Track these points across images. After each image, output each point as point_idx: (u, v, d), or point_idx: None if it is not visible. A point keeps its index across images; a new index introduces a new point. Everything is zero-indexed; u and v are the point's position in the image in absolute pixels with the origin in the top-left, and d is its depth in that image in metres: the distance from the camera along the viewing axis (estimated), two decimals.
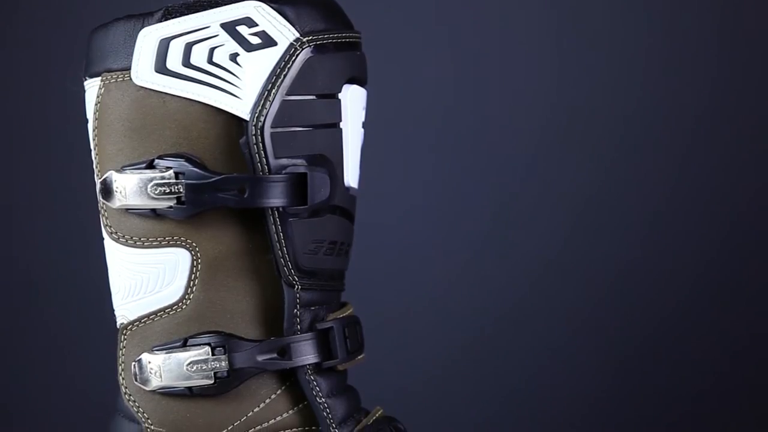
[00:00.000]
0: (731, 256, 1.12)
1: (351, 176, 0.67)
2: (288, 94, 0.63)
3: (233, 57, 0.63)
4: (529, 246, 1.13)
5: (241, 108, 0.63)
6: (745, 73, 1.12)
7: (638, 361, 1.12)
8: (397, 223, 1.13)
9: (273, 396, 0.65)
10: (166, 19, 0.63)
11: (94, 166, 0.66)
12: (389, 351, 1.10)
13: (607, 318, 1.12)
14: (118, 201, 0.64)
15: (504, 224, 1.13)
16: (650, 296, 1.12)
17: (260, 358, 0.64)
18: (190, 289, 0.64)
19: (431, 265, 1.14)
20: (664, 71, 1.12)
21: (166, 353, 0.64)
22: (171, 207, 0.63)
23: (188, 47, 0.63)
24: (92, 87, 0.65)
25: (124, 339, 0.66)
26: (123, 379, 0.66)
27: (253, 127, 0.62)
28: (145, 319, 0.65)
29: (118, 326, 0.67)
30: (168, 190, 0.63)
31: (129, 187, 0.63)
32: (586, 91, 1.13)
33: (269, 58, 0.63)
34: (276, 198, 0.62)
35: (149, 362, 0.64)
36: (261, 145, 0.62)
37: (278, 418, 0.65)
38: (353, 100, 0.66)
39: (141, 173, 0.63)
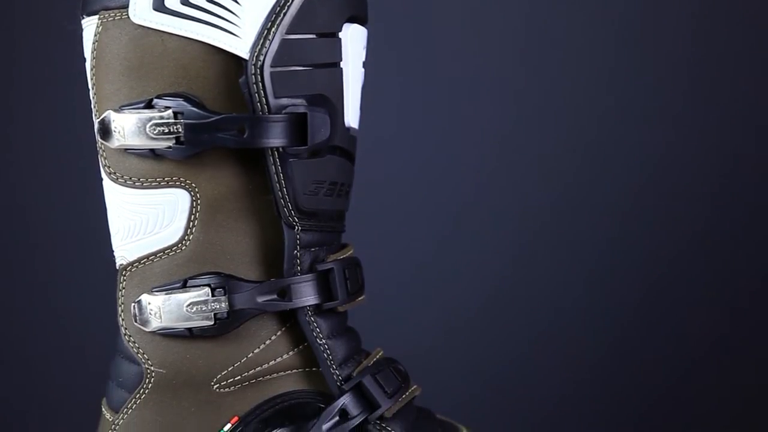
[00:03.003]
0: (720, 225, 1.11)
1: (351, 116, 0.66)
2: (288, 32, 0.62)
3: None
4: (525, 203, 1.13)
5: (241, 47, 0.62)
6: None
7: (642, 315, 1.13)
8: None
9: (273, 337, 0.65)
10: None
11: (92, 106, 0.65)
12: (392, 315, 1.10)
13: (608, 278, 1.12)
14: (117, 141, 0.63)
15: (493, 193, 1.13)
16: (651, 247, 1.12)
17: (260, 299, 0.64)
18: (189, 230, 0.64)
19: (424, 227, 1.14)
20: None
21: (166, 294, 0.64)
22: (170, 147, 0.62)
23: None
24: (90, 25, 0.65)
25: (124, 280, 0.66)
26: (123, 320, 0.66)
27: (253, 66, 0.61)
28: (145, 260, 0.65)
29: (117, 267, 0.66)
30: (167, 130, 0.62)
31: (127, 127, 0.62)
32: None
33: None
34: (276, 138, 0.62)
35: (149, 303, 0.64)
36: (260, 84, 0.61)
37: (278, 360, 0.65)
38: (354, 39, 0.66)
39: (139, 113, 0.62)
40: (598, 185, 1.12)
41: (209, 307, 0.63)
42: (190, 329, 0.64)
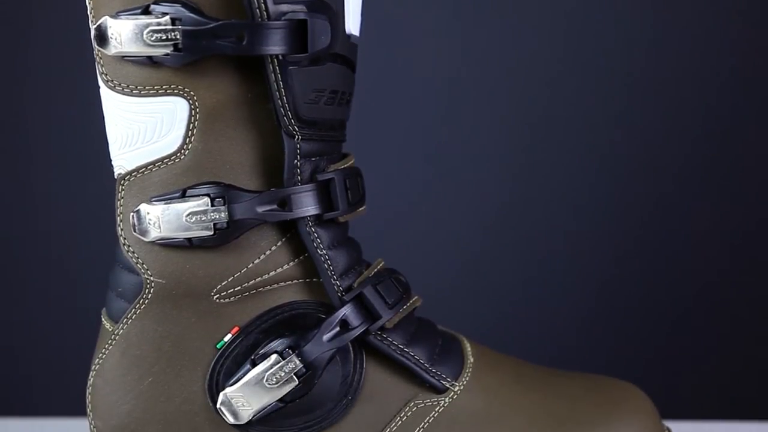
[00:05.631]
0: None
1: (352, 23, 0.65)
2: None
3: None
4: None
5: None
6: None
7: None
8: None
9: (273, 248, 0.65)
10: None
11: (89, 12, 0.64)
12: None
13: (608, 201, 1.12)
14: (114, 48, 0.62)
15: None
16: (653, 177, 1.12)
17: (260, 209, 0.63)
18: (188, 139, 0.63)
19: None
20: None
21: (165, 204, 0.63)
22: (168, 54, 0.61)
23: None
24: None
25: (122, 189, 0.65)
26: (121, 230, 0.66)
27: None
28: (143, 169, 0.64)
29: (115, 177, 0.66)
30: (164, 37, 0.61)
31: (124, 34, 0.61)
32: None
33: None
34: (275, 45, 0.61)
35: (148, 213, 0.64)
36: None
37: (279, 270, 0.65)
38: None
39: (136, 19, 0.61)
40: (597, 125, 1.11)
41: (209, 217, 0.63)
42: (189, 239, 0.63)
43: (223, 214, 0.63)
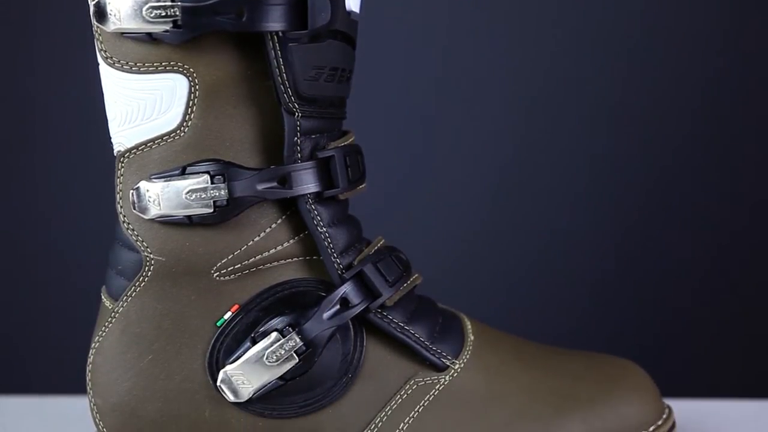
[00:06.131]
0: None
1: (352, 0, 0.65)
2: None
3: None
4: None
5: None
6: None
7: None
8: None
9: (273, 225, 0.65)
10: None
11: None
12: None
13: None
14: (113, 24, 0.62)
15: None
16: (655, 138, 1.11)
17: (260, 186, 0.63)
18: (188, 116, 0.63)
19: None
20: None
21: (165, 181, 0.63)
22: (167, 31, 0.61)
23: None
24: None
25: (122, 167, 0.65)
26: (121, 207, 0.65)
27: None
28: (143, 146, 0.64)
29: (114, 154, 0.66)
30: (164, 13, 0.61)
31: (123, 10, 0.61)
32: None
33: None
34: (275, 22, 0.61)
35: (147, 190, 0.63)
36: None
37: (279, 248, 0.65)
38: None
39: None
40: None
41: (208, 195, 0.63)
42: (189, 217, 0.63)
43: (223, 192, 0.63)
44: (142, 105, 0.63)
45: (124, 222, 0.65)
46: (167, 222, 0.64)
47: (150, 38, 0.62)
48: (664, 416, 0.69)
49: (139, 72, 0.63)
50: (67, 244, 1.13)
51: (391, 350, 0.67)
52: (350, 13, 0.65)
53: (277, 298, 0.65)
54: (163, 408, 0.65)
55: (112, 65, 0.64)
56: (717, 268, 1.12)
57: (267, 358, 0.64)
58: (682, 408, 0.80)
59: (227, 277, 0.65)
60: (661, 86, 1.10)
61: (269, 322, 0.65)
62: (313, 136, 0.64)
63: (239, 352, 0.65)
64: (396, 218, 1.10)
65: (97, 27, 0.63)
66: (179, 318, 0.65)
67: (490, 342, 0.69)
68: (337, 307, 0.65)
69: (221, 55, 0.62)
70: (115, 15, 0.61)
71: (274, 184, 0.63)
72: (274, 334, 0.64)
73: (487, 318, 0.73)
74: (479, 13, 1.11)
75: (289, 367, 0.64)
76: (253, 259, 0.65)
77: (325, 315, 0.64)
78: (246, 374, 0.64)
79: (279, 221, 0.65)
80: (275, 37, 0.61)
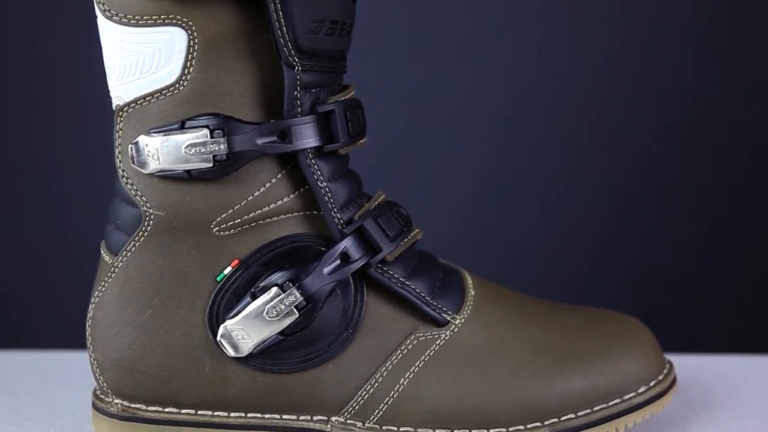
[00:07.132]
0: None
1: None
2: None
3: None
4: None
5: None
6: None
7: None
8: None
9: (273, 180, 0.64)
10: None
11: None
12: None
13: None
14: None
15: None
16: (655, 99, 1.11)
17: (260, 141, 0.62)
18: (186, 70, 0.63)
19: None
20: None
21: (164, 135, 0.63)
22: None
23: None
24: None
25: (121, 121, 0.64)
26: (120, 162, 0.65)
27: None
28: (141, 100, 0.63)
29: (113, 108, 0.65)
30: None
31: None
32: None
33: None
34: None
35: (146, 144, 0.63)
36: None
37: (279, 202, 0.65)
38: None
39: None
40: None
41: (208, 149, 0.62)
42: (188, 171, 0.63)
43: (222, 146, 0.62)
44: (140, 58, 0.63)
45: (123, 176, 0.65)
46: (167, 176, 0.64)
47: None
48: (665, 371, 0.69)
49: (137, 25, 0.62)
50: (66, 198, 1.13)
51: (391, 305, 0.66)
52: None
53: (277, 253, 0.65)
54: (163, 363, 0.65)
55: (110, 18, 0.63)
56: (718, 222, 1.12)
57: (267, 313, 0.64)
58: (683, 363, 0.80)
59: (227, 232, 0.64)
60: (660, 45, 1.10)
61: (269, 277, 0.64)
62: (313, 90, 0.64)
63: (239, 307, 0.64)
64: (397, 173, 1.10)
65: None
66: (179, 273, 0.65)
67: (491, 297, 0.69)
68: (338, 262, 0.64)
69: (220, 8, 0.62)
70: None
71: (274, 138, 0.63)
72: (274, 289, 0.64)
73: (487, 274, 0.73)
74: None
75: (290, 322, 0.64)
76: (253, 214, 0.64)
77: (326, 270, 0.64)
78: (246, 329, 0.64)
79: (279, 176, 0.65)
80: None
